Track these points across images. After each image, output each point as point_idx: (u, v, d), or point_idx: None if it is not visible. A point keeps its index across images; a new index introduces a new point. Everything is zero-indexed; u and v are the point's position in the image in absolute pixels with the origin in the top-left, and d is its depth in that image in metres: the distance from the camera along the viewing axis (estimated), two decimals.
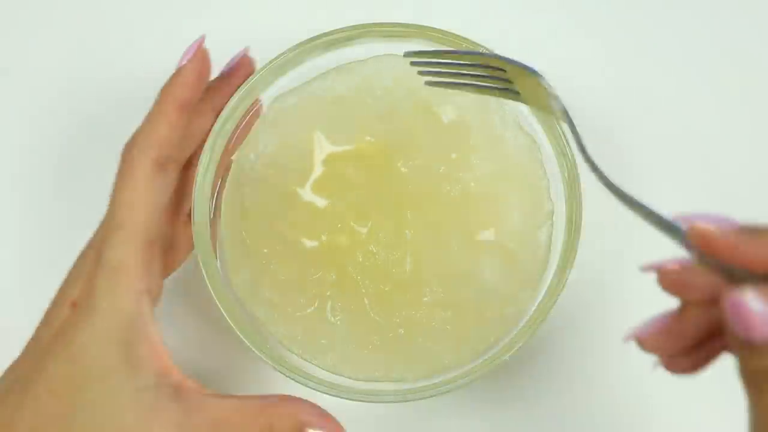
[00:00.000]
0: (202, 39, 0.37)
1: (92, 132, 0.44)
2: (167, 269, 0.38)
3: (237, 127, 0.39)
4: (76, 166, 0.44)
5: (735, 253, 0.24)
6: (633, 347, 0.41)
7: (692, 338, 0.28)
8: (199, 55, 0.36)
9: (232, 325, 0.36)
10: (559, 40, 0.46)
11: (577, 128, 0.34)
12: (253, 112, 0.39)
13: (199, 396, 0.31)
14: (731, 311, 0.24)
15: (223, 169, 0.39)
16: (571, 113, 0.38)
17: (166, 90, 0.35)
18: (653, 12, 0.46)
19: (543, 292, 0.37)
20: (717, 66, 0.45)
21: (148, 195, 0.33)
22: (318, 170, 0.39)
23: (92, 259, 0.33)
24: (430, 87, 0.36)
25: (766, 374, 0.24)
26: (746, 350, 0.24)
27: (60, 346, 0.31)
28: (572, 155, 0.37)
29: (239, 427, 0.31)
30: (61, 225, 0.43)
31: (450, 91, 0.36)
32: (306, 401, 0.32)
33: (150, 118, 0.35)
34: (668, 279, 0.28)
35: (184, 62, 0.36)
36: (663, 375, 0.41)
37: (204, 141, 0.37)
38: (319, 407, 0.32)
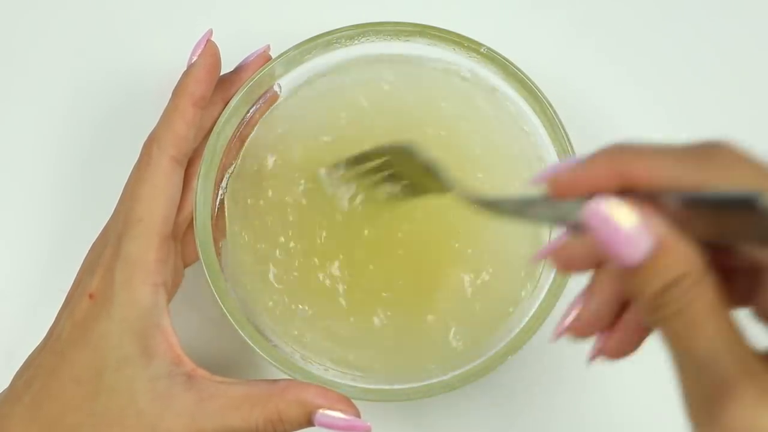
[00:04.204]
0: (210, 33, 0.37)
1: (98, 129, 0.45)
2: (187, 259, 0.39)
3: (239, 125, 0.39)
4: (83, 160, 0.44)
5: (575, 184, 0.24)
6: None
7: (610, 309, 0.27)
8: (209, 50, 0.37)
9: (234, 324, 0.36)
10: (559, 39, 0.46)
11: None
12: (263, 104, 0.39)
13: (209, 384, 0.32)
14: (593, 224, 0.22)
15: (227, 166, 0.39)
16: (569, 113, 0.38)
17: (180, 87, 0.36)
18: (652, 12, 0.46)
19: (544, 293, 0.37)
20: (716, 67, 0.45)
21: (167, 190, 0.35)
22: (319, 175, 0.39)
23: (110, 251, 0.34)
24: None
25: (656, 299, 0.22)
26: (632, 278, 0.23)
27: (81, 336, 0.33)
28: (573, 153, 0.37)
29: (248, 415, 0.32)
30: (72, 218, 0.44)
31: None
32: (312, 384, 0.33)
33: (167, 116, 0.36)
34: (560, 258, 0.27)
35: (194, 58, 0.37)
36: (661, 376, 0.41)
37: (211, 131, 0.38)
38: (325, 388, 0.33)
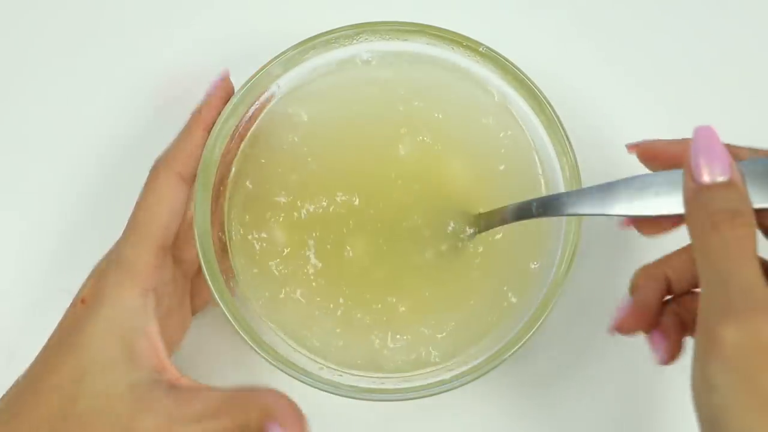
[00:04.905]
0: (227, 72, 0.38)
1: (101, 129, 0.44)
2: (196, 307, 0.39)
3: (238, 125, 0.39)
4: (85, 161, 0.44)
5: (667, 151, 0.33)
6: (628, 346, 0.41)
7: (653, 308, 0.33)
8: (225, 85, 0.38)
9: (234, 324, 0.36)
10: (558, 38, 0.46)
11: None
12: (257, 107, 0.39)
13: (189, 390, 0.32)
14: (699, 139, 0.29)
15: (225, 169, 0.39)
16: (568, 113, 0.38)
17: (196, 117, 0.37)
18: (652, 12, 0.46)
19: (543, 292, 0.37)
20: (716, 67, 0.45)
21: (170, 201, 0.35)
22: (320, 174, 0.39)
23: (108, 257, 0.35)
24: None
25: (713, 215, 0.28)
26: (699, 194, 0.28)
27: (66, 339, 0.33)
28: (573, 155, 0.37)
29: (223, 421, 0.31)
30: (73, 218, 0.43)
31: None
32: (271, 392, 0.32)
33: (178, 137, 0.37)
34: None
35: (212, 91, 0.38)
36: (658, 376, 0.41)
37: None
38: (286, 398, 0.32)
